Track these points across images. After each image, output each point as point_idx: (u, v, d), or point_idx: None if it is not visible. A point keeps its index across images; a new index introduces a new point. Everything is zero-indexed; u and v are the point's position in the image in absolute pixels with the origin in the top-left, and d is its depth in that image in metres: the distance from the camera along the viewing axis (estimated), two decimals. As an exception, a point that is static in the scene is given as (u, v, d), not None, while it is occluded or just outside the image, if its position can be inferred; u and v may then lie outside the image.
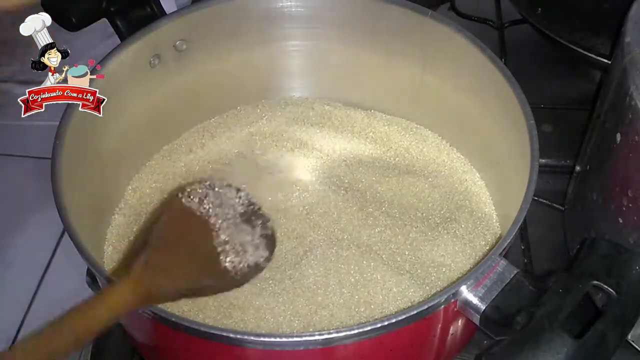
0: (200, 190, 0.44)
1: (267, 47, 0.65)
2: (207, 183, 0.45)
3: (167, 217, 0.43)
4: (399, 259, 0.56)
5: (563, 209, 0.64)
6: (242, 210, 0.45)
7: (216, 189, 0.44)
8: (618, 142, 0.50)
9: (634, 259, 0.43)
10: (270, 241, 0.46)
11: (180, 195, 0.44)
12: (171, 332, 0.43)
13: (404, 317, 0.41)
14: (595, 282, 0.42)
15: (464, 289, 0.43)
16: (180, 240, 0.42)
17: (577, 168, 0.61)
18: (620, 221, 0.51)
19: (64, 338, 0.36)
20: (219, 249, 0.42)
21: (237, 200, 0.45)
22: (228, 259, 0.42)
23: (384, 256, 0.56)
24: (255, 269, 0.44)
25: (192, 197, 0.44)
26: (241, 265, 0.43)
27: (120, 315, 0.39)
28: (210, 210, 0.43)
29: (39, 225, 1.30)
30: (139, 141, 0.61)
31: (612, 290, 0.41)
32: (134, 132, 0.60)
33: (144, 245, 0.40)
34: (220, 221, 0.43)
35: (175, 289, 0.41)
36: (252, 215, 0.45)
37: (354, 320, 0.51)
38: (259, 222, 0.46)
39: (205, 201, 0.43)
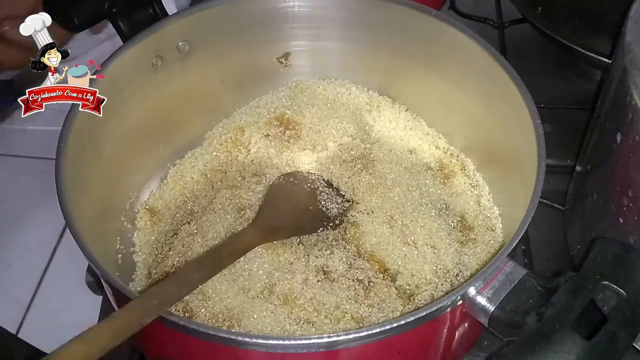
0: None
1: (270, 47, 0.65)
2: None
3: (269, 191, 0.60)
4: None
5: (563, 209, 0.65)
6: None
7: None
8: (618, 142, 0.50)
9: (643, 259, 0.43)
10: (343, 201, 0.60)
11: (277, 179, 0.61)
12: (176, 334, 0.43)
13: (412, 319, 0.41)
14: (605, 282, 0.41)
15: (472, 291, 0.43)
16: (280, 201, 0.59)
17: (578, 168, 0.62)
18: (621, 221, 0.51)
19: (220, 256, 0.51)
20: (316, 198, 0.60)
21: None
22: (322, 203, 0.60)
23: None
24: (339, 216, 0.59)
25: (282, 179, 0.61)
26: (329, 211, 0.59)
27: (249, 249, 0.53)
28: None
29: (39, 225, 1.30)
30: (141, 142, 0.61)
31: (621, 291, 0.41)
32: (137, 133, 0.60)
33: (259, 210, 0.58)
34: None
35: (284, 227, 0.57)
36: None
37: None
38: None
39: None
